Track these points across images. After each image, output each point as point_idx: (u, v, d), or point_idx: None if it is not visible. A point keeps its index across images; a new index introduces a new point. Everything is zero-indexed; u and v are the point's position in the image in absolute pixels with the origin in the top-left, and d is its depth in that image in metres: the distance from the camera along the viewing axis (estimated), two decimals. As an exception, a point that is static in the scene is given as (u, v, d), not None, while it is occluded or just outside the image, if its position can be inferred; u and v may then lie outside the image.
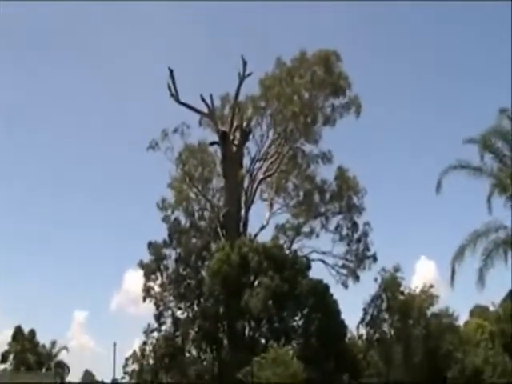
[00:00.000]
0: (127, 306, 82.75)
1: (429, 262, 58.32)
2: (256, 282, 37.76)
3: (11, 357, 58.64)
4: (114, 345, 48.12)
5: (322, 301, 37.25)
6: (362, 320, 43.27)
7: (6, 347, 59.10)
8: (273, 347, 31.03)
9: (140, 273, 46.47)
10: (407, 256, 47.22)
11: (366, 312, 43.63)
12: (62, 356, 63.33)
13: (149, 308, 45.58)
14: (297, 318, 38.30)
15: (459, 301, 52.11)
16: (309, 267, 40.69)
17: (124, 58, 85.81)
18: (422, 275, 50.57)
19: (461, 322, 49.42)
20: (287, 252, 42.22)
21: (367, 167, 62.94)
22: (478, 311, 58.64)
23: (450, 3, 72.17)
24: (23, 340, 59.65)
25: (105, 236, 79.60)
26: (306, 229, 46.35)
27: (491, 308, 51.17)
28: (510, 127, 26.82)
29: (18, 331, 60.06)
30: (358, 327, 45.40)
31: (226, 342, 38.27)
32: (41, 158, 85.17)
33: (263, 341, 37.08)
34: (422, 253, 47.56)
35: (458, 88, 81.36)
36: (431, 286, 47.88)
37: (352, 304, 48.31)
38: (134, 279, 52.73)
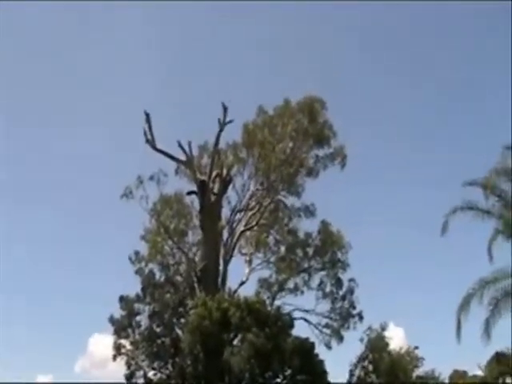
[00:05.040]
0: (92, 369, 78.21)
1: (396, 328, 55.73)
2: (236, 340, 35.16)
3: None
4: (79, 410, 45.06)
5: (307, 361, 34.60)
6: (349, 383, 41.06)
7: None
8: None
9: (106, 335, 44.11)
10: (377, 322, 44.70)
11: (352, 374, 41.46)
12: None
13: (116, 371, 42.76)
14: (279, 380, 35.54)
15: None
16: (292, 325, 38.20)
17: (99, 101, 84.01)
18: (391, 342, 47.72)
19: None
20: (269, 309, 39.72)
21: (352, 221, 61.11)
22: (457, 376, 56.75)
23: (450, 45, 71.89)
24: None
25: (68, 294, 75.72)
26: (289, 285, 44.27)
27: (477, 372, 49.45)
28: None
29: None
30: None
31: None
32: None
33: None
34: (390, 319, 45.13)
35: (455, 130, 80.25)
36: (416, 348, 46.35)
37: (335, 364, 45.73)
38: (100, 341, 50.03)
